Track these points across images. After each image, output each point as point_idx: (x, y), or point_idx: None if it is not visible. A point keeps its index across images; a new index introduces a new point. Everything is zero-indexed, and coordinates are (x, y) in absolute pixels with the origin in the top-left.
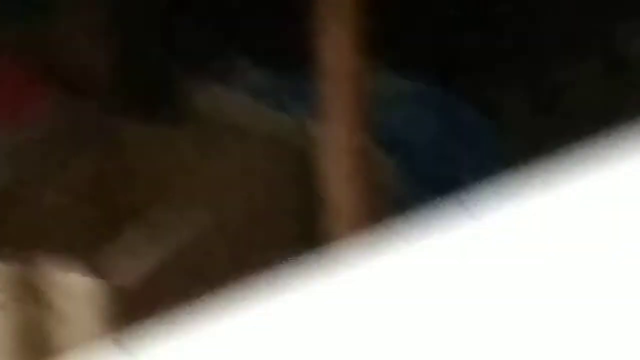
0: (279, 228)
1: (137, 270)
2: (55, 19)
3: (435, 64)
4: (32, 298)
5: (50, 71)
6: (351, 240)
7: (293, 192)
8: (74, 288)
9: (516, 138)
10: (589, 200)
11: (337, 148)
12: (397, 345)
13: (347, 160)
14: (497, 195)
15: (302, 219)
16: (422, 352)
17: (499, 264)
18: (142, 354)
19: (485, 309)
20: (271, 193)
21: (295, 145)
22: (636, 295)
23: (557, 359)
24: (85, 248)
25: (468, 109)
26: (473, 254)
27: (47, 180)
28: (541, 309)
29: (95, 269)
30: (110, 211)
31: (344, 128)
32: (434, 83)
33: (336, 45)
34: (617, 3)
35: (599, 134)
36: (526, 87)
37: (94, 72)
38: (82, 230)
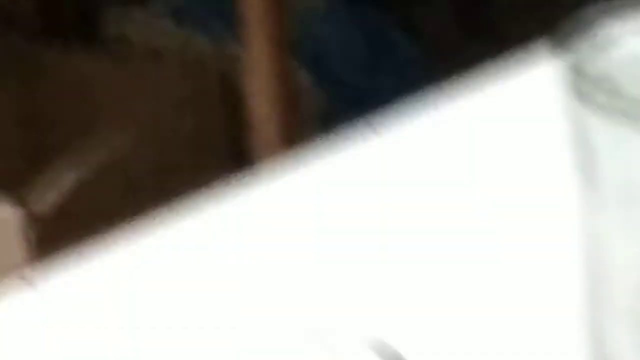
0: (202, 149)
1: (58, 198)
2: None
3: None
4: None
5: None
6: (274, 158)
7: (215, 113)
8: None
9: (440, 55)
10: (502, 117)
11: (258, 67)
12: (320, 258)
13: (268, 79)
14: (416, 113)
15: (225, 140)
16: (338, 262)
17: (408, 180)
18: (47, 286)
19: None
20: (194, 115)
21: (216, 66)
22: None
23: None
24: (7, 177)
25: (391, 25)
26: (383, 171)
27: None
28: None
29: (17, 198)
30: (32, 139)
31: (264, 46)
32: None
33: None
34: None
35: (520, 51)
36: (451, 3)
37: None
38: (4, 159)
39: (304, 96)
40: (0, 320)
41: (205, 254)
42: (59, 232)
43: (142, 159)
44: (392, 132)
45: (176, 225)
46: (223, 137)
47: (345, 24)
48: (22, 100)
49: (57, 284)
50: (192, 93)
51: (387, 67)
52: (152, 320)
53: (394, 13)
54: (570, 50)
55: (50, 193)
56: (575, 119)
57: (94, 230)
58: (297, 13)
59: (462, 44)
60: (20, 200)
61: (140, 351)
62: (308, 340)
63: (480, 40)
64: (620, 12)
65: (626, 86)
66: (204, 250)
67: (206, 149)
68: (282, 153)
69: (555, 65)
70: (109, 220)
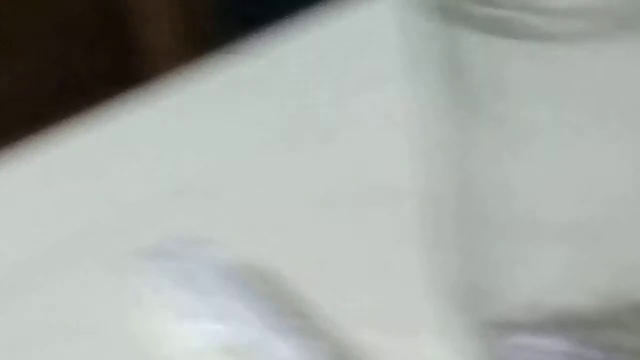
0: (94, 72)
1: None
2: None
3: None
4: None
5: None
6: (166, 76)
7: (108, 35)
8: None
9: None
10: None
11: None
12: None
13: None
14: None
15: (118, 62)
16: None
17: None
18: None
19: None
20: (86, 36)
21: None
22: None
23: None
24: None
25: None
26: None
27: None
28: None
29: None
30: None
31: None
32: None
33: None
34: None
35: None
36: None
37: None
38: None
39: (196, 13)
40: None
41: (104, 165)
42: None
43: (35, 81)
44: (278, 48)
45: (73, 142)
46: (115, 59)
47: None
48: None
49: None
50: (83, 16)
51: None
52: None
53: None
54: None
55: None
56: (444, 34)
57: None
58: None
59: None
60: None
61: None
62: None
63: None
64: None
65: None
66: (102, 162)
67: (98, 70)
68: (173, 70)
69: None
70: (8, 143)
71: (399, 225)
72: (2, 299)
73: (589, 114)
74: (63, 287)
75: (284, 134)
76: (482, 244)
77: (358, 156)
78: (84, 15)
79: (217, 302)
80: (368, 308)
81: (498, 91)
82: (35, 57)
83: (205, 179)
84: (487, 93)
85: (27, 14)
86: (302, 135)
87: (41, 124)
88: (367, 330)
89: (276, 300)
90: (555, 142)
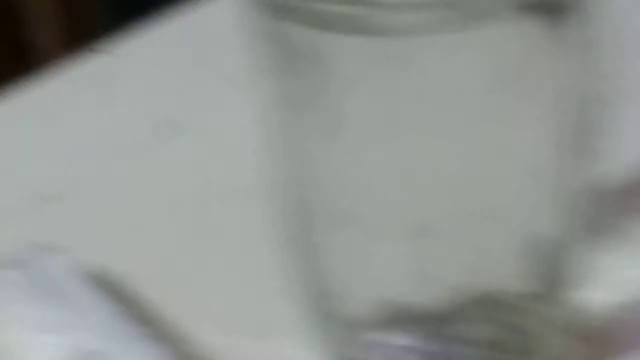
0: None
1: None
2: None
3: None
4: None
5: None
6: (56, 59)
7: None
8: None
9: None
10: None
11: None
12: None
13: None
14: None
15: (7, 40)
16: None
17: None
18: None
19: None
20: None
21: None
22: None
23: None
24: None
25: None
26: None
27: None
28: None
29: None
30: None
31: None
32: None
33: None
34: None
35: None
36: None
37: None
38: None
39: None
40: None
41: None
42: None
43: None
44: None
45: None
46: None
47: None
48: None
49: None
50: None
51: None
52: None
53: None
54: None
55: None
56: (278, 30)
57: None
58: None
59: None
60: None
61: None
62: None
63: None
64: None
65: None
66: None
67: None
68: (62, 52)
69: None
70: None
71: (249, 225)
72: None
73: (422, 108)
74: None
75: (132, 136)
76: (327, 242)
77: (205, 157)
78: None
79: (65, 311)
80: (219, 311)
81: (334, 87)
82: None
83: (56, 185)
84: (324, 89)
85: None
86: (147, 136)
87: None
88: (219, 333)
89: (126, 306)
90: (395, 137)
